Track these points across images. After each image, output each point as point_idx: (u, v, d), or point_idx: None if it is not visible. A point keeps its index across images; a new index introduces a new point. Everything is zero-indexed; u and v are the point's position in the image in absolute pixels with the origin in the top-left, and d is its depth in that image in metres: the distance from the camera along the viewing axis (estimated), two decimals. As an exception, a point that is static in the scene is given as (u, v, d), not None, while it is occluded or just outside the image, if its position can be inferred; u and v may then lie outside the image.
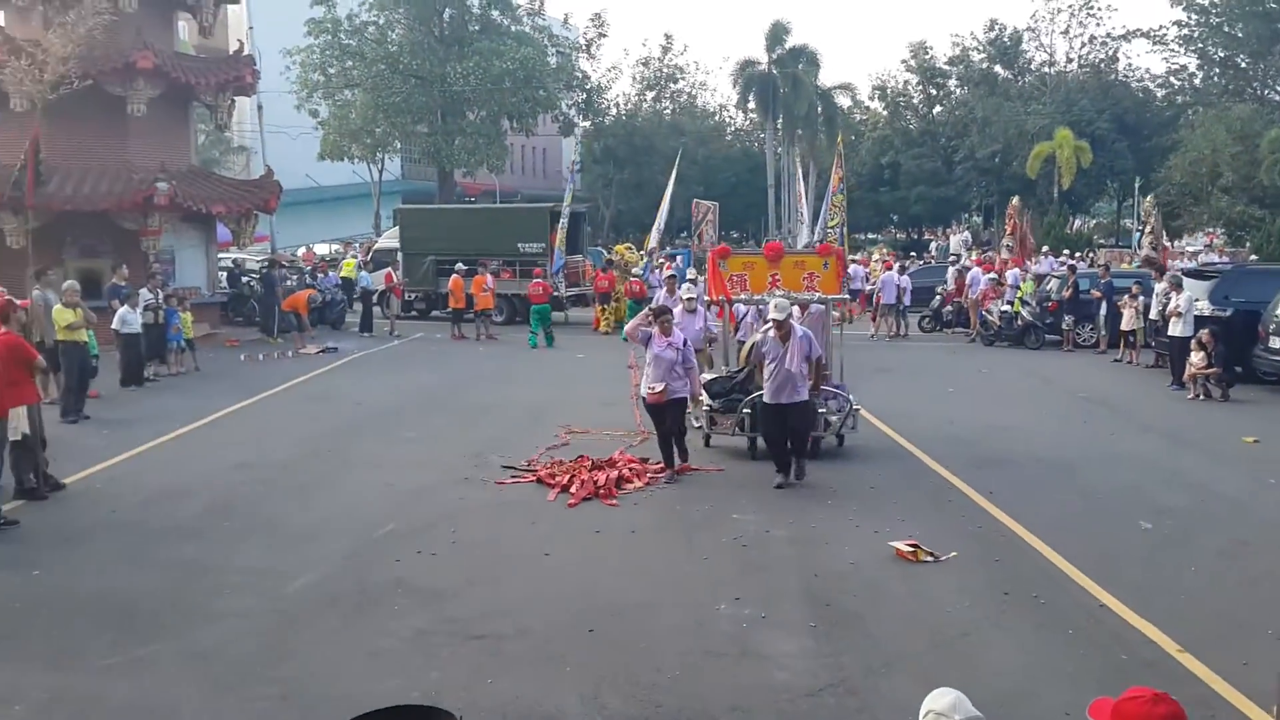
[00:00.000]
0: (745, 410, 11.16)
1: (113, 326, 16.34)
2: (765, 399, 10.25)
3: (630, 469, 10.54)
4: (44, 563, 7.84)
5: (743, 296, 12.22)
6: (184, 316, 18.74)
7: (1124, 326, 20.21)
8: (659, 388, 10.39)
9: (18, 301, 11.03)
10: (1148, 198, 35.91)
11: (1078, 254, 33.09)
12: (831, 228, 24.82)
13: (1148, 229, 32.00)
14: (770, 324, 10.18)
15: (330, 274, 29.57)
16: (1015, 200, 31.40)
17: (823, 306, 12.18)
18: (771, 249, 12.68)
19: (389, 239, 31.68)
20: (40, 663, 6.16)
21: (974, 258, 31.03)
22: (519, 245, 27.40)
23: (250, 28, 35.30)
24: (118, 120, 21.80)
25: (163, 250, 22.20)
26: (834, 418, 11.42)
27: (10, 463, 9.54)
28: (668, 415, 10.57)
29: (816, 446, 11.21)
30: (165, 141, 22.93)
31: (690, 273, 20.93)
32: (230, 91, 24.10)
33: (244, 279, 28.11)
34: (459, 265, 24.86)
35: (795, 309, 11.12)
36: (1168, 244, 34.48)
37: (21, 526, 8.76)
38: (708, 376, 12.04)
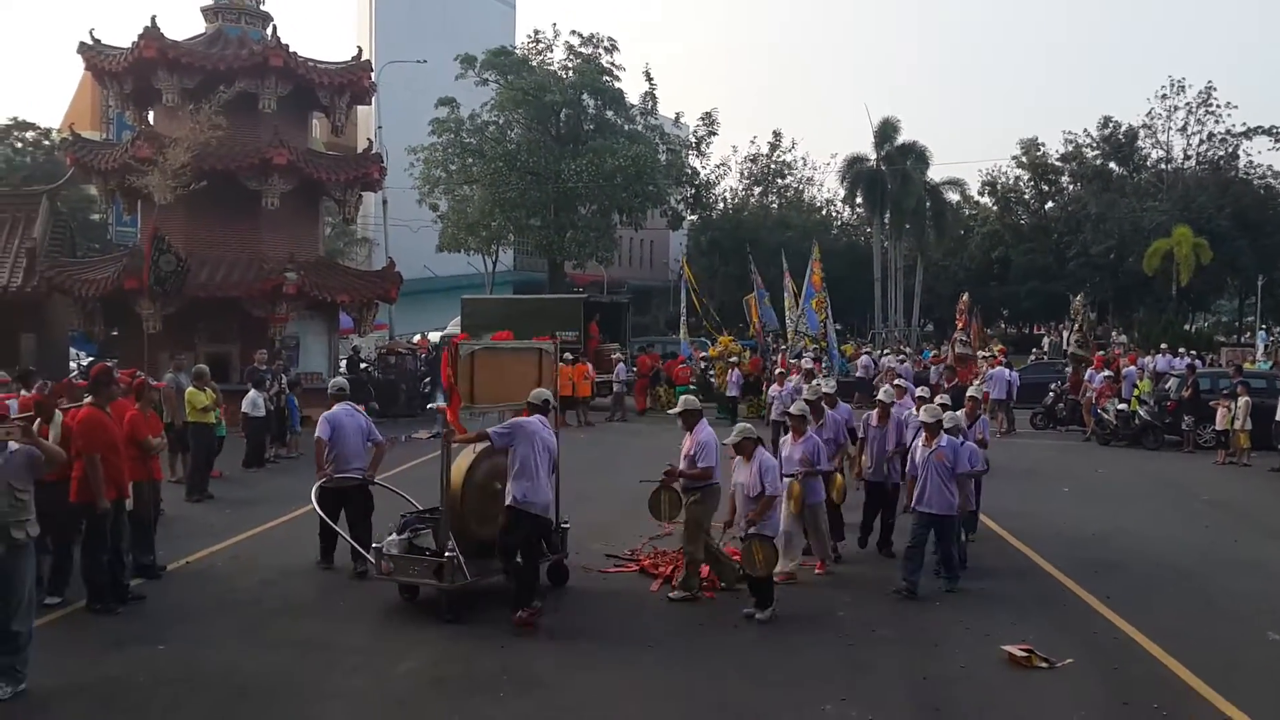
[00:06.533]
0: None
1: (242, 409, 17.00)
2: None
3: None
4: (168, 638, 8.15)
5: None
6: None
7: (1218, 426, 19.66)
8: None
9: (153, 383, 11.57)
10: (1076, 297, 34.52)
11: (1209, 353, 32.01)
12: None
13: (1076, 326, 30.83)
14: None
15: None
16: (965, 296, 30.50)
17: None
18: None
19: (454, 326, 32.69)
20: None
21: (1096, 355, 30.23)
22: (557, 333, 27.92)
23: (379, 127, 36.87)
24: (252, 213, 22.93)
25: (288, 337, 23.10)
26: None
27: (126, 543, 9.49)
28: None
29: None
30: (295, 233, 24.04)
31: None
32: (358, 187, 25.10)
33: (363, 365, 28.97)
34: (565, 355, 25.35)
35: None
36: (1098, 340, 32.95)
37: (147, 602, 9.11)
38: None
